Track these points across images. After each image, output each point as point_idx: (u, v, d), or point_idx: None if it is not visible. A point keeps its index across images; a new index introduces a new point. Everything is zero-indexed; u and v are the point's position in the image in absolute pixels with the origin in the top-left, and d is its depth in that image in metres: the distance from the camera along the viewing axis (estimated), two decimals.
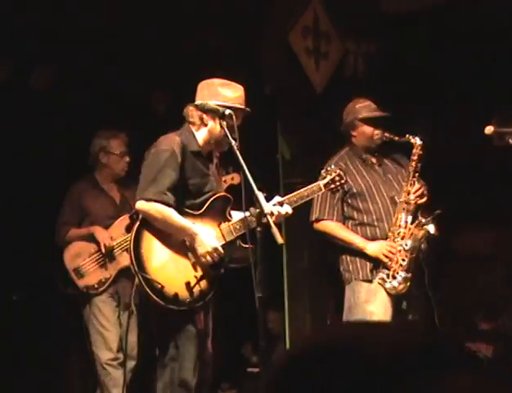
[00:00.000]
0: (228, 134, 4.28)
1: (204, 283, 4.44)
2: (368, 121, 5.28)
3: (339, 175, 4.83)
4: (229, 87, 4.50)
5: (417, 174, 5.22)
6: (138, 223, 4.44)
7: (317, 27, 6.74)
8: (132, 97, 6.41)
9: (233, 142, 4.27)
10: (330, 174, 4.82)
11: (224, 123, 4.32)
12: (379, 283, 5.13)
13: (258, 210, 4.18)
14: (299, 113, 6.66)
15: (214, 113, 4.44)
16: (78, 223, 5.77)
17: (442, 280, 7.38)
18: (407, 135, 5.24)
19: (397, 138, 5.26)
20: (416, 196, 5.19)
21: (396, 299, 5.16)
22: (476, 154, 6.43)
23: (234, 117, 4.32)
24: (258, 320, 4.05)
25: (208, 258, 4.41)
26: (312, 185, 4.77)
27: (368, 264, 5.18)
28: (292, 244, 6.27)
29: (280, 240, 4.00)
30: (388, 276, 5.12)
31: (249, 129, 4.45)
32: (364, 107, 5.32)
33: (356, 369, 1.07)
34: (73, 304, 5.82)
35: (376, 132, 5.28)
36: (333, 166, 4.89)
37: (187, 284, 4.40)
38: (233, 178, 5.21)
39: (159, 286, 4.35)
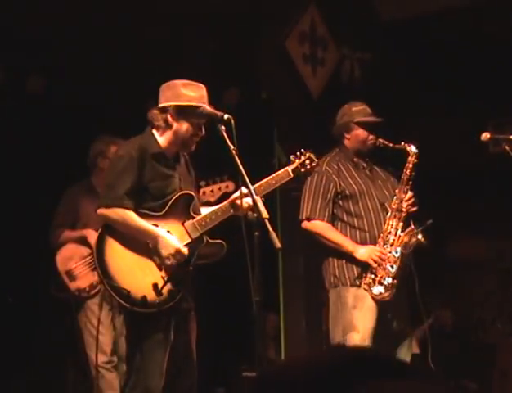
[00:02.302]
0: (227, 139, 4.27)
1: (172, 283, 4.40)
2: (363, 125, 5.25)
3: (309, 158, 4.74)
4: (191, 87, 4.47)
5: (410, 183, 5.20)
6: (100, 231, 4.44)
7: (314, 33, 6.77)
8: (127, 103, 6.41)
9: (231, 147, 4.26)
10: (299, 158, 4.73)
11: (223, 127, 4.30)
12: (365, 289, 5.08)
13: (255, 215, 4.17)
14: (296, 118, 6.68)
15: (178, 114, 4.44)
16: (71, 226, 5.78)
17: (436, 287, 7.41)
18: (403, 143, 5.21)
19: (391, 145, 5.21)
20: (408, 205, 5.16)
21: (381, 306, 5.11)
22: (471, 160, 6.45)
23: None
24: (255, 324, 4.05)
25: (172, 260, 4.37)
26: (280, 171, 4.69)
27: (355, 269, 5.14)
28: (288, 248, 6.26)
29: (278, 244, 3.99)
30: (374, 281, 5.07)
31: (245, 134, 4.44)
32: (360, 111, 5.28)
33: None
34: (67, 307, 5.82)
35: (370, 137, 5.25)
36: (303, 150, 4.76)
37: (155, 286, 4.35)
38: (228, 186, 5.19)
39: (125, 291, 4.32)
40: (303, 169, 4.73)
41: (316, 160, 4.78)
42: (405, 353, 5.20)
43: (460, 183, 7.07)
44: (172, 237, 4.42)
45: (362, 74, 6.97)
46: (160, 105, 4.48)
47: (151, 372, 4.37)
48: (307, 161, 4.74)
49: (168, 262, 4.39)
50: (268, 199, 4.53)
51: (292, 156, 4.75)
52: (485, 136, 5.01)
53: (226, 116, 4.30)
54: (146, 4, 6.19)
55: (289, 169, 4.68)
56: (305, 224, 5.25)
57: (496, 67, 6.75)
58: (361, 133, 5.26)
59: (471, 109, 6.71)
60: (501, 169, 5.05)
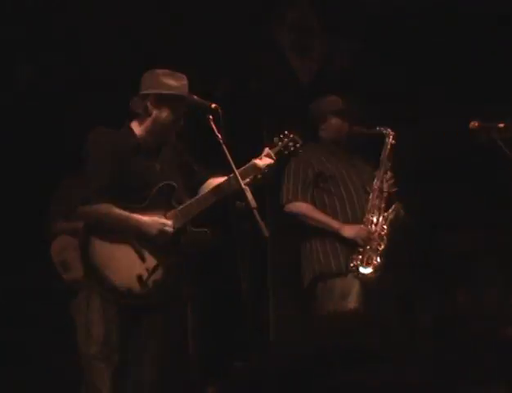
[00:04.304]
0: (215, 129, 4.28)
1: (158, 273, 4.38)
2: (338, 114, 5.33)
3: (292, 140, 4.70)
4: (172, 76, 4.48)
5: (390, 164, 5.28)
6: (82, 231, 4.43)
7: (303, 22, 6.77)
8: (118, 92, 6.40)
9: (219, 136, 4.27)
10: (282, 141, 4.69)
11: (211, 117, 4.31)
12: (352, 270, 5.12)
13: (244, 205, 4.19)
14: (285, 108, 6.68)
15: (158, 101, 4.44)
16: (67, 216, 5.80)
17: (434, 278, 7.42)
18: (378, 127, 5.31)
19: (366, 131, 5.32)
20: (390, 185, 5.22)
21: (368, 292, 5.16)
22: (461, 150, 6.46)
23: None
24: (245, 313, 4.07)
25: (162, 236, 4.37)
26: (262, 155, 4.63)
27: (340, 254, 5.21)
28: (276, 235, 6.28)
29: (265, 234, 4.01)
30: (361, 262, 5.12)
31: (234, 124, 4.45)
32: (333, 101, 5.39)
33: None
34: (59, 298, 5.83)
35: (345, 124, 5.34)
36: (286, 132, 4.72)
37: (139, 277, 4.35)
38: None
39: (111, 285, 4.34)
40: (286, 152, 4.70)
41: (300, 142, 4.73)
42: None
43: (458, 173, 7.08)
44: (153, 220, 4.39)
45: (351, 63, 6.98)
46: (141, 92, 4.49)
47: (143, 361, 4.40)
48: (291, 143, 4.71)
49: (160, 239, 4.37)
50: (257, 187, 4.54)
51: (275, 139, 4.71)
52: (473, 124, 5.03)
53: (213, 105, 4.33)
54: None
55: (272, 152, 4.64)
56: (288, 207, 5.34)
57: (488, 57, 6.76)
58: (336, 121, 5.36)
59: (464, 98, 6.72)
60: (502, 159, 5.06)
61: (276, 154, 4.65)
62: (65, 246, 5.76)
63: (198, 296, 4.67)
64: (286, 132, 4.72)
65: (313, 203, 5.30)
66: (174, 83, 4.45)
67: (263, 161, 4.55)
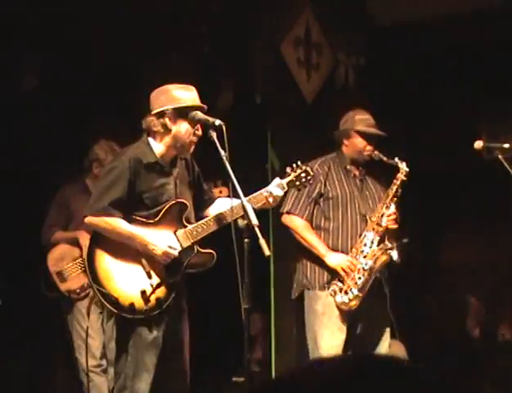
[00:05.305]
0: (218, 145, 4.25)
1: (160, 291, 4.39)
2: (363, 135, 5.27)
3: (305, 171, 4.67)
4: (184, 89, 4.47)
5: (395, 199, 5.21)
6: (89, 241, 4.44)
7: (309, 38, 6.77)
8: (122, 101, 6.40)
9: (222, 153, 4.24)
10: (295, 171, 4.65)
11: (214, 133, 4.29)
12: (331, 295, 5.11)
13: (246, 222, 4.16)
14: (290, 123, 6.68)
15: (176, 116, 4.42)
16: (64, 225, 5.79)
17: (426, 293, 7.40)
18: (396, 159, 5.24)
19: (385, 159, 5.24)
20: (389, 220, 5.17)
21: (353, 316, 5.14)
22: (464, 167, 6.45)
23: (223, 128, 4.31)
24: (244, 332, 4.05)
25: (166, 257, 4.37)
26: (273, 184, 4.60)
27: (325, 273, 5.17)
28: (279, 250, 6.27)
29: (267, 252, 3.99)
30: (340, 290, 5.10)
31: (238, 139, 4.42)
32: (363, 120, 5.30)
33: None
34: (57, 309, 5.81)
35: (368, 147, 5.26)
36: (299, 163, 4.68)
37: (143, 293, 4.36)
38: (221, 192, 5.19)
39: (114, 298, 4.33)
40: (297, 183, 4.67)
41: (312, 174, 4.71)
42: None
43: (457, 187, 7.07)
44: (160, 239, 4.40)
45: (356, 80, 6.97)
46: (156, 110, 4.46)
47: (139, 375, 4.36)
48: (303, 175, 4.67)
49: (162, 260, 4.38)
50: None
51: (288, 169, 4.67)
52: (478, 144, 5.02)
53: (217, 122, 4.29)
54: (142, 3, 6.19)
55: (284, 182, 4.61)
56: (284, 218, 5.33)
57: (490, 70, 6.76)
58: (359, 142, 5.28)
59: (466, 112, 6.71)
60: (500, 175, 5.05)
61: (287, 183, 4.62)
62: (62, 255, 5.74)
63: (197, 311, 4.64)
64: (299, 163, 4.69)
65: (310, 220, 5.27)
66: (188, 95, 4.44)
67: (274, 192, 4.51)
